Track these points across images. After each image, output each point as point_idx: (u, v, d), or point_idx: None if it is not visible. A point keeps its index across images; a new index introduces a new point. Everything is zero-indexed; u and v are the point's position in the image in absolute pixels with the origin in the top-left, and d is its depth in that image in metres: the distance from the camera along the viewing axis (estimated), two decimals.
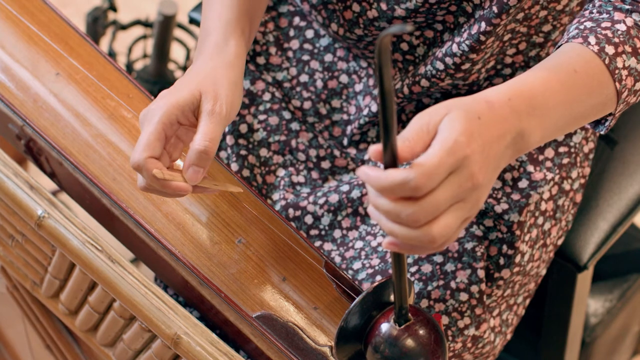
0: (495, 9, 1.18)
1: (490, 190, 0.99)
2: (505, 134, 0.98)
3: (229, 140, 1.34)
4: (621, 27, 1.08)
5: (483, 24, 1.19)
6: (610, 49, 1.06)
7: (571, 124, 1.05)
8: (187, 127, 1.10)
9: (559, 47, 1.09)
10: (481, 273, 1.28)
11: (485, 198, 0.98)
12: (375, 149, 0.93)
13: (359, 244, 1.30)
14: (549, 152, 1.33)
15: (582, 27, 1.08)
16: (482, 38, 1.20)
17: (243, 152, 1.34)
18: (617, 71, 1.06)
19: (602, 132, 1.12)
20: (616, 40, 1.06)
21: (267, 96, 1.36)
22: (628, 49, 1.07)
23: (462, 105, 0.96)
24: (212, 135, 1.07)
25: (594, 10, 1.11)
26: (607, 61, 1.05)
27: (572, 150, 1.34)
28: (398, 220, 0.93)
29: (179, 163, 1.16)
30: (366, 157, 1.34)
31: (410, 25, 0.87)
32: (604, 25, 1.08)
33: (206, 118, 1.08)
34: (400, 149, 0.93)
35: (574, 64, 1.05)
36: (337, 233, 1.31)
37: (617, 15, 1.08)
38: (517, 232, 1.30)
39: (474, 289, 1.28)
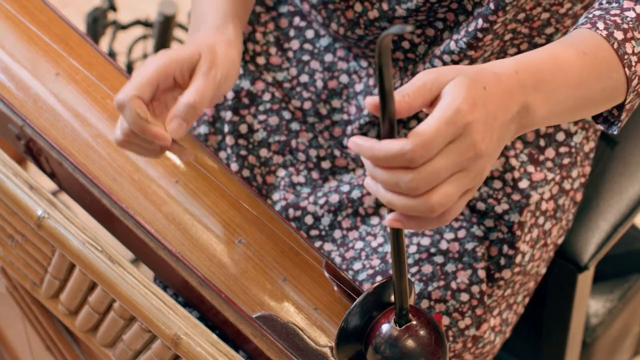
0: (491, 5, 1.18)
1: (494, 162, 0.98)
2: (510, 106, 0.97)
3: (229, 140, 1.34)
4: (630, 14, 1.07)
5: (480, 21, 1.19)
6: (619, 34, 1.05)
7: (579, 107, 1.04)
8: (176, 94, 1.09)
9: (568, 34, 1.08)
10: (482, 273, 1.28)
11: (489, 169, 0.97)
12: (371, 100, 0.91)
13: (359, 245, 1.30)
14: (550, 153, 1.33)
15: (590, 15, 1.08)
16: (480, 35, 1.20)
17: (243, 153, 1.34)
18: (626, 56, 1.05)
19: (615, 133, 1.11)
20: (625, 26, 1.06)
21: (267, 96, 1.36)
22: (638, 35, 1.06)
23: (469, 72, 0.95)
24: (204, 94, 1.05)
25: (604, 1, 1.10)
26: (615, 46, 1.04)
27: (573, 150, 1.34)
28: (396, 189, 0.93)
29: None
30: None
31: (410, 25, 0.87)
32: (613, 12, 1.07)
33: (201, 77, 1.07)
34: (397, 103, 0.92)
35: (582, 46, 1.04)
36: (337, 233, 1.31)
37: (627, 4, 1.08)
38: (518, 233, 1.30)
39: (475, 289, 1.28)
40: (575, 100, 1.03)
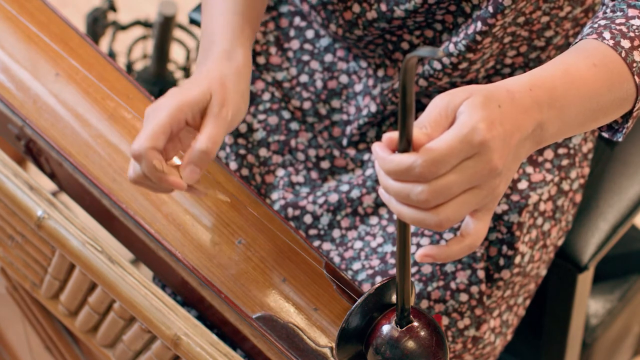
0: (490, 8, 1.18)
1: (510, 181, 0.97)
2: (526, 125, 0.96)
3: (228, 139, 1.34)
4: (636, 22, 1.06)
5: (479, 24, 1.19)
6: (626, 43, 1.05)
7: (590, 119, 1.04)
8: (189, 128, 1.09)
9: (573, 45, 1.08)
10: (481, 274, 1.28)
11: (504, 189, 0.96)
12: (388, 137, 0.91)
13: (358, 244, 1.30)
14: (549, 154, 1.33)
15: (595, 25, 1.07)
16: (479, 38, 1.20)
17: (242, 152, 1.34)
18: (635, 64, 1.04)
19: (619, 140, 1.11)
20: (631, 34, 1.05)
21: (266, 96, 1.36)
22: None
23: (483, 91, 0.95)
24: (216, 139, 1.06)
25: (608, 10, 1.10)
26: (623, 55, 1.04)
27: (572, 151, 1.34)
28: (407, 201, 0.92)
29: (176, 161, 1.15)
30: (365, 157, 1.34)
31: (441, 52, 0.86)
32: (618, 21, 1.07)
33: (212, 120, 1.06)
34: (417, 137, 0.91)
35: (592, 58, 1.03)
36: (336, 233, 1.31)
37: (632, 12, 1.07)
38: (517, 233, 1.30)
39: (474, 289, 1.28)
40: (586, 113, 1.02)
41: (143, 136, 1.04)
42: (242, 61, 1.13)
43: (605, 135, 1.12)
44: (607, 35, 1.05)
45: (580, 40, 1.07)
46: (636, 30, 1.05)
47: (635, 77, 1.04)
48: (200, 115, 1.07)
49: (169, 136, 1.06)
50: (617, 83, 1.04)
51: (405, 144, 0.91)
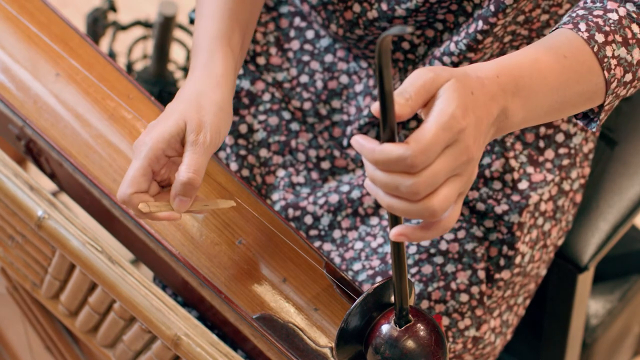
0: (492, 7, 1.18)
1: (478, 165, 0.99)
2: (492, 111, 0.97)
3: (229, 140, 1.34)
4: (613, 16, 1.07)
5: (480, 23, 1.19)
6: (600, 37, 1.05)
7: (557, 110, 1.04)
8: (177, 157, 1.10)
9: (549, 33, 1.08)
10: (481, 274, 1.28)
11: (476, 173, 0.97)
12: (377, 106, 0.92)
13: (358, 245, 1.30)
14: (549, 154, 1.33)
15: (574, 14, 1.08)
16: (480, 37, 1.20)
17: (242, 152, 1.34)
18: (605, 60, 1.05)
19: (593, 130, 1.11)
20: (607, 28, 1.06)
21: (267, 96, 1.36)
22: (618, 38, 1.06)
23: (461, 76, 0.96)
24: (197, 167, 1.06)
25: (589, 0, 1.10)
26: (595, 49, 1.04)
27: (572, 151, 1.34)
28: (397, 193, 0.93)
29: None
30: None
31: (410, 26, 0.87)
32: (595, 13, 1.07)
33: (190, 149, 1.07)
34: (401, 107, 0.92)
35: (564, 49, 1.04)
36: (336, 233, 1.31)
37: (610, 5, 1.08)
38: (518, 233, 1.30)
39: (475, 290, 1.28)
40: (552, 104, 1.03)
41: (124, 183, 1.06)
42: (221, 71, 1.12)
43: (579, 123, 1.13)
44: (582, 26, 1.05)
45: (556, 28, 1.07)
46: (612, 25, 1.06)
47: (605, 72, 1.04)
48: (180, 145, 1.08)
49: (154, 174, 1.07)
50: (586, 76, 1.04)
51: (389, 133, 0.91)
